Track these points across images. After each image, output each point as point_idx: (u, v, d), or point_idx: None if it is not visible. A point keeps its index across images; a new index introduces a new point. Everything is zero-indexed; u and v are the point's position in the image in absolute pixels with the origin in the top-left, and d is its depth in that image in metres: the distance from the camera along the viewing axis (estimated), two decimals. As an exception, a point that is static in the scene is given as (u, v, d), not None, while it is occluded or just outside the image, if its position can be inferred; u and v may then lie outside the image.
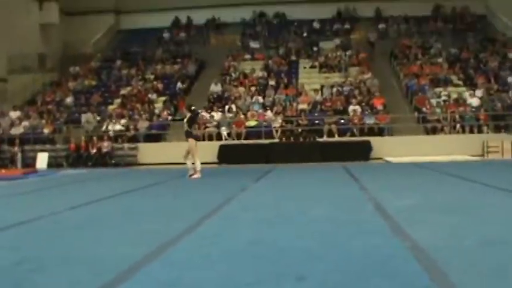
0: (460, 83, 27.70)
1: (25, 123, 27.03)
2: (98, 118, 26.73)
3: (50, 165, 24.00)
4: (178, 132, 23.99)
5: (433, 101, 25.38)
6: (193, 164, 15.37)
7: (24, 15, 33.84)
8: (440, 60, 29.86)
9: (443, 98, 25.73)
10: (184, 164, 15.89)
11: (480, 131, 23.78)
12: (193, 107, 16.17)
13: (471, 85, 27.01)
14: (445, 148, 22.36)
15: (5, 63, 32.46)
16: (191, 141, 15.22)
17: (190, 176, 15.12)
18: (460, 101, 25.13)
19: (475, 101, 25.10)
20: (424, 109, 24.87)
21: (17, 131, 26.48)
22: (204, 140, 24.11)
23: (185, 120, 15.71)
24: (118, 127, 25.61)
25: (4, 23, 31.37)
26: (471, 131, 23.72)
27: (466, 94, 25.84)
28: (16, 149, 24.85)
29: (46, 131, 26.31)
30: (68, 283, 4.12)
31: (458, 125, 23.92)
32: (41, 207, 8.97)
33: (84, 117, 26.82)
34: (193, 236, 6.01)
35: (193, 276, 4.18)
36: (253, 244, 5.42)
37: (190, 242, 5.70)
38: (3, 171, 21.73)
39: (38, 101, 30.09)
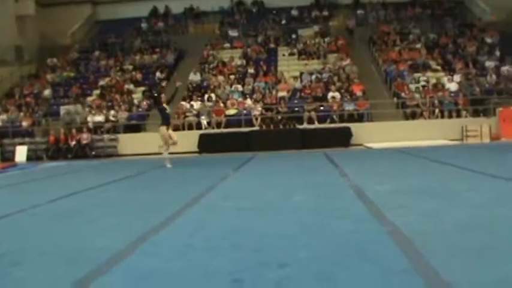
0: (439, 68, 27.82)
1: (3, 116, 26.82)
2: (87, 109, 26.53)
3: (29, 158, 23.86)
4: (157, 123, 23.95)
5: (412, 87, 25.49)
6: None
7: (-1, 7, 33.54)
8: (418, 45, 29.95)
9: (422, 83, 25.86)
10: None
11: (459, 116, 23.91)
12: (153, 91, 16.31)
13: (449, 70, 27.15)
14: (425, 133, 22.49)
15: (-19, 57, 32.21)
16: (161, 128, 15.45)
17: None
18: (438, 86, 25.30)
19: (453, 86, 25.25)
20: (403, 94, 24.99)
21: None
22: (184, 129, 24.16)
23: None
24: (97, 118, 25.48)
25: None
26: (450, 116, 23.85)
27: (445, 79, 25.96)
28: (-6, 143, 24.69)
29: (25, 124, 26.12)
30: (47, 276, 4.10)
31: (437, 110, 24.04)
32: (20, 201, 8.92)
33: (64, 109, 26.65)
34: (173, 226, 5.99)
35: (174, 267, 4.18)
36: (234, 233, 5.41)
37: (170, 232, 5.68)
38: (-19, 165, 21.58)
39: (15, 94, 29.85)
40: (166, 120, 15.52)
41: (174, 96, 17.89)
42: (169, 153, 15.82)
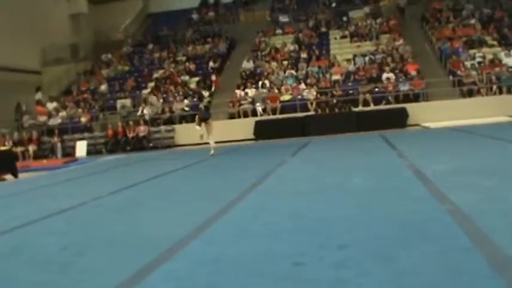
0: (495, 43, 27.16)
1: (62, 113, 27.35)
2: (161, 100, 26.80)
3: (89, 152, 24.30)
4: (213, 112, 24.13)
5: (468, 64, 24.97)
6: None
7: (53, 7, 34.19)
8: (473, 21, 29.30)
9: (478, 59, 25.29)
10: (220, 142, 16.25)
11: (518, 91, 23.37)
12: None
13: (506, 45, 26.44)
14: (483, 110, 21.97)
15: (39, 56, 32.95)
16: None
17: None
18: (495, 62, 24.69)
19: (511, 61, 24.64)
20: (459, 72, 24.50)
21: (55, 121, 26.83)
22: (239, 117, 24.34)
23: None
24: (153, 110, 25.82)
25: (34, 16, 31.81)
26: (508, 92, 23.29)
27: (502, 54, 25.34)
28: (55, 139, 25.19)
29: (83, 119, 26.58)
30: (111, 265, 4.21)
31: (495, 86, 23.51)
32: (83, 194, 9.11)
33: (121, 103, 27.12)
34: (233, 212, 6.06)
35: (236, 251, 4.23)
36: (293, 216, 5.44)
37: (230, 218, 5.75)
38: (44, 161, 22.09)
39: (73, 91, 30.41)
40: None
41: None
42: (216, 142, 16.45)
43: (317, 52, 28.78)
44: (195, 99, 25.68)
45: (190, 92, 26.75)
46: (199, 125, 15.93)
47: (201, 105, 16.04)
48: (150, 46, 33.78)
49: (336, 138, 19.16)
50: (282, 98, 24.80)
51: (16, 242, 5.58)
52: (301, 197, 6.71)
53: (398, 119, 22.13)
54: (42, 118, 27.27)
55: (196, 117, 16.23)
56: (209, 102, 15.97)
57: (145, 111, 25.70)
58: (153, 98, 26.63)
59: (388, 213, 5.22)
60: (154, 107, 26.09)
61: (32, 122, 27.30)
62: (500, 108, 21.81)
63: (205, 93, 16.15)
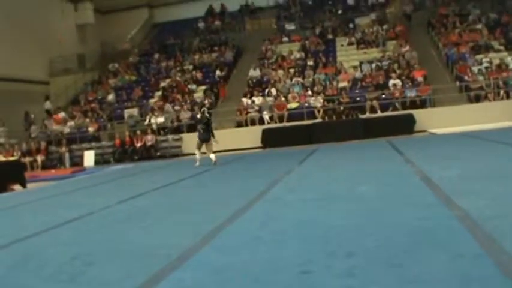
0: (502, 48, 27.09)
1: (70, 123, 27.44)
2: (171, 111, 26.78)
3: (97, 162, 24.35)
4: (220, 120, 24.18)
5: (475, 69, 24.91)
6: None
7: (60, 17, 34.32)
8: (479, 26, 29.26)
9: (485, 64, 25.23)
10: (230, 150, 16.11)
11: (525, 96, 23.28)
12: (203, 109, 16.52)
13: (513, 49, 26.46)
14: (490, 115, 21.91)
15: (46, 67, 33.15)
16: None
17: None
18: (502, 67, 24.63)
19: (518, 66, 24.59)
20: (466, 77, 24.45)
21: (63, 131, 26.90)
22: (246, 125, 24.39)
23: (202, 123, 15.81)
24: (161, 120, 25.80)
25: (42, 28, 32.03)
26: (516, 97, 23.27)
27: (509, 59, 25.27)
28: (63, 149, 25.28)
29: (91, 129, 26.67)
30: (120, 274, 4.20)
31: (502, 91, 23.45)
32: (91, 204, 9.11)
33: (128, 112, 27.16)
34: (241, 220, 6.05)
35: (244, 260, 4.23)
36: (301, 225, 5.44)
37: (238, 226, 5.74)
38: (52, 171, 22.16)
39: (80, 101, 30.51)
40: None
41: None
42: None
43: (323, 59, 28.81)
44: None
45: (198, 101, 26.74)
46: (200, 148, 15.84)
47: (200, 128, 15.75)
48: (157, 55, 33.92)
49: (343, 146, 19.14)
50: (289, 106, 24.82)
51: (25, 251, 5.59)
52: (309, 205, 6.70)
53: (406, 126, 22.13)
54: (57, 127, 27.35)
55: (197, 139, 16.02)
56: (206, 124, 15.63)
57: (154, 120, 25.71)
58: (168, 106, 26.67)
59: (396, 220, 5.20)
60: (169, 115, 26.10)
61: (42, 131, 27.39)
62: (508, 113, 21.75)
63: (206, 109, 15.99)
